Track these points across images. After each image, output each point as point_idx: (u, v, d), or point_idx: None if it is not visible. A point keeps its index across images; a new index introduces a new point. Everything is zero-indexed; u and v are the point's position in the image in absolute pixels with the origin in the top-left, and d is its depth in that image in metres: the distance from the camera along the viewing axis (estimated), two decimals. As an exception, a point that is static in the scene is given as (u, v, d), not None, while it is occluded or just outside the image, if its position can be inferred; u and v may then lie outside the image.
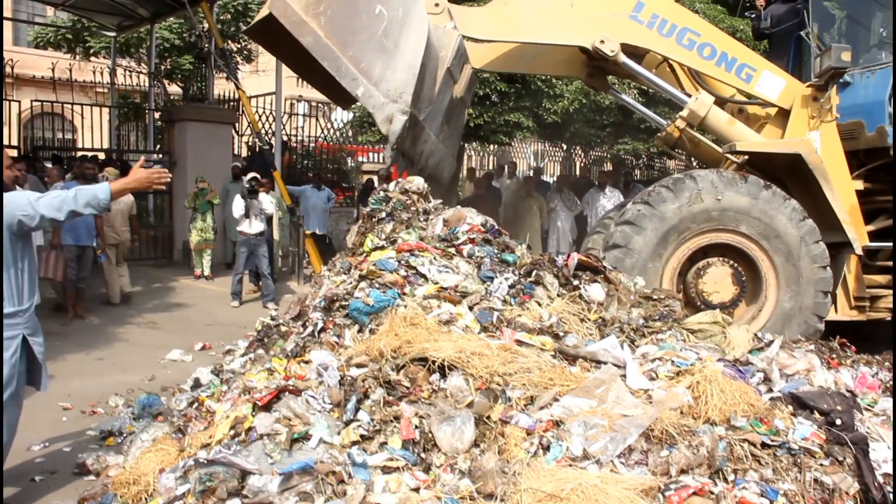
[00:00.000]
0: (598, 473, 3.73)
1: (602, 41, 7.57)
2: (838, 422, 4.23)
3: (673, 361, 4.92)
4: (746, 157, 7.88)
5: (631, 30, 7.71)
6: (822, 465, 3.94)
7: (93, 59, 19.18)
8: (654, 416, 4.08)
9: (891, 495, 3.87)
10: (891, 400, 5.37)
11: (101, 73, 18.13)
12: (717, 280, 7.35)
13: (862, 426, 4.28)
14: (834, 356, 6.26)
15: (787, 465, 3.92)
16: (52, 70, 17.78)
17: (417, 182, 7.83)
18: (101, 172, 11.27)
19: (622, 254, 7.21)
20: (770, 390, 5.00)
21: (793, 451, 3.98)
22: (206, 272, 13.14)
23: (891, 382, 5.75)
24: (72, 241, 9.54)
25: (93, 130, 15.71)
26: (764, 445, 3.99)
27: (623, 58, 7.74)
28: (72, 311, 9.70)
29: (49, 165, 12.86)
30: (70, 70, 17.34)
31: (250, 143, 18.28)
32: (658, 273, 7.28)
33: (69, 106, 15.78)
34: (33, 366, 4.64)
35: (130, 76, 18.46)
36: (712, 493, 3.61)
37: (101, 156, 15.05)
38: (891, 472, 4.08)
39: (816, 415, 4.37)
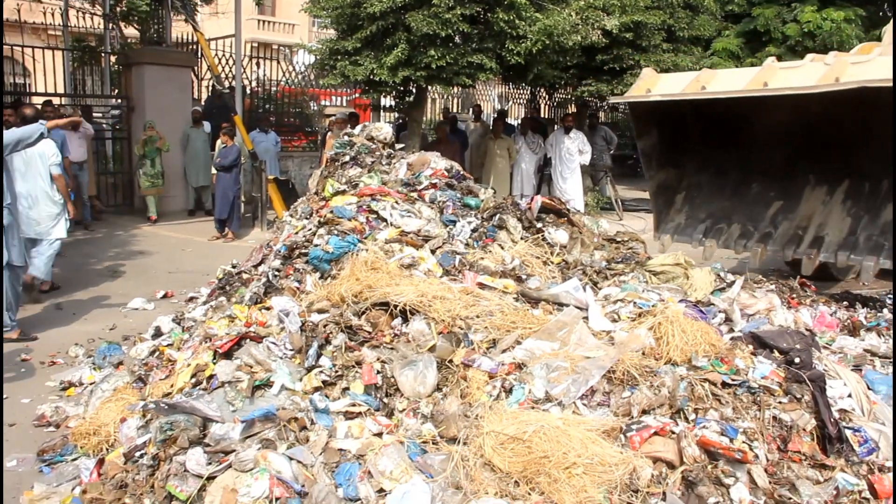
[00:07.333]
0: (561, 415, 3.76)
1: None
2: (797, 360, 4.28)
3: (635, 303, 4.96)
4: None
5: None
6: (780, 402, 4.00)
7: (43, -1, 18.48)
8: (615, 357, 4.10)
9: (846, 430, 3.95)
10: (848, 338, 5.46)
11: (53, 15, 17.46)
12: None
13: (819, 364, 4.34)
14: (794, 296, 6.34)
15: (746, 403, 3.97)
16: (-1, 10, 17.10)
17: (385, 130, 7.74)
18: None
19: None
20: (731, 330, 5.06)
21: (752, 389, 4.03)
22: (154, 215, 13.36)
23: (849, 321, 5.85)
24: None
25: (45, 74, 15.19)
26: (724, 385, 4.03)
27: None
28: None
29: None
30: (18, 10, 16.67)
31: (210, 88, 17.85)
32: None
33: (20, 49, 15.21)
34: None
35: (84, 18, 17.81)
36: (673, 432, 3.65)
37: (57, 101, 14.59)
38: (846, 409, 4.16)
39: (776, 353, 4.43)
